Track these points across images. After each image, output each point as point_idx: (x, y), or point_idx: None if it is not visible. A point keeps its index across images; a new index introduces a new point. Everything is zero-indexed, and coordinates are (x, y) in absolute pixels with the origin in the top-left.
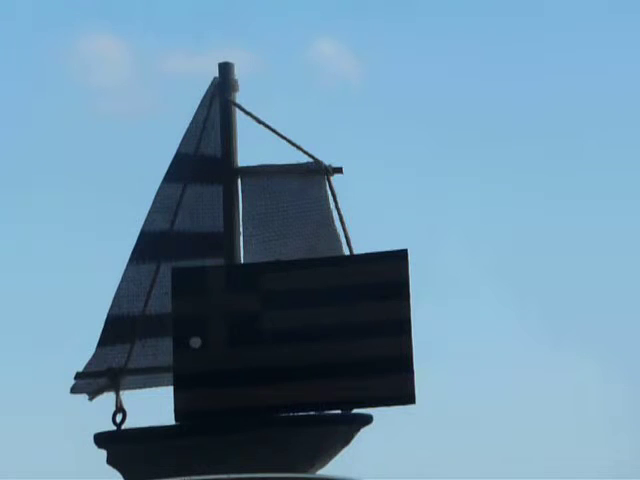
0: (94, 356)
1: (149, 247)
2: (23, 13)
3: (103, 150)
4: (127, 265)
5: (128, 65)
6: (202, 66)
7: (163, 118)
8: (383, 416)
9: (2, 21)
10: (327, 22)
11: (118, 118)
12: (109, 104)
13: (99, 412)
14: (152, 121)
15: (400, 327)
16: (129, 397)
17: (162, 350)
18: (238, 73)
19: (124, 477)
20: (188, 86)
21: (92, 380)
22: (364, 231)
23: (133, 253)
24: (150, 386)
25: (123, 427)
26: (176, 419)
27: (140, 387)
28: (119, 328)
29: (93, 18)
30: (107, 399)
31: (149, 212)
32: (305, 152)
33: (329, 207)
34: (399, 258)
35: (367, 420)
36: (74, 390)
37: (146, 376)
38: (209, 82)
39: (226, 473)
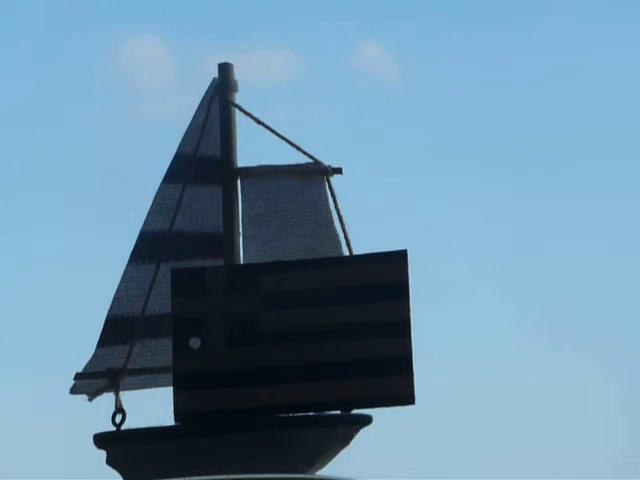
0: (94, 357)
1: (149, 247)
2: (65, 16)
3: (117, 151)
4: (127, 265)
5: (170, 67)
6: (245, 69)
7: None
8: (383, 416)
9: (44, 23)
10: (371, 26)
11: (148, 121)
12: (148, 107)
13: (99, 412)
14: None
15: (400, 328)
16: (129, 397)
17: (161, 350)
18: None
19: (124, 477)
20: None
21: (92, 381)
22: (364, 231)
23: (133, 253)
24: (150, 387)
25: (123, 428)
26: (176, 420)
27: (140, 388)
28: (119, 329)
29: (136, 21)
30: (107, 399)
31: (149, 212)
32: (305, 152)
33: (329, 207)
34: (399, 258)
35: (367, 420)
36: (74, 390)
37: (145, 377)
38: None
39: (226, 473)
